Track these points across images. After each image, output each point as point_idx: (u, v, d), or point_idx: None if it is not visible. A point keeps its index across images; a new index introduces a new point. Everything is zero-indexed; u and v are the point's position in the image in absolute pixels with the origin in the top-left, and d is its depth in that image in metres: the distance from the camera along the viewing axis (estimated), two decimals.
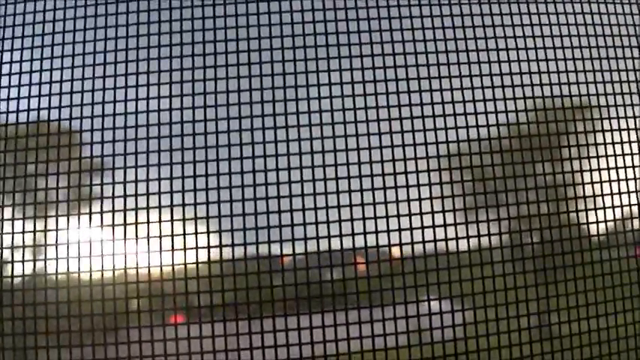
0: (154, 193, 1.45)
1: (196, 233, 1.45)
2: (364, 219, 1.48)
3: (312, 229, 1.45)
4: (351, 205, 1.44)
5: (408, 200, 1.49)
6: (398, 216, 1.49)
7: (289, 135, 1.46)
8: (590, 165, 1.53)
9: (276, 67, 1.49)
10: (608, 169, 1.52)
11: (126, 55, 1.52)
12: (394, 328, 1.44)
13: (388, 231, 1.48)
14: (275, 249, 1.48)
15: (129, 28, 1.54)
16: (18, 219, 1.49)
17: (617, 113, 1.56)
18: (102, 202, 1.50)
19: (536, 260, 1.50)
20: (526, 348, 1.46)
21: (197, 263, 1.48)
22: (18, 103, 1.53)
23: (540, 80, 1.54)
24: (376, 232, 1.48)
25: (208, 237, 1.47)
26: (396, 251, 1.50)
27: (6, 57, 1.56)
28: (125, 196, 1.46)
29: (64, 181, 1.50)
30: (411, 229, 1.48)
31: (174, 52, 1.51)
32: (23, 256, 1.49)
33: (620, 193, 1.54)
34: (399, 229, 1.48)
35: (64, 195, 1.51)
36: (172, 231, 1.46)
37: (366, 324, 1.45)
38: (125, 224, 1.48)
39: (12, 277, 1.48)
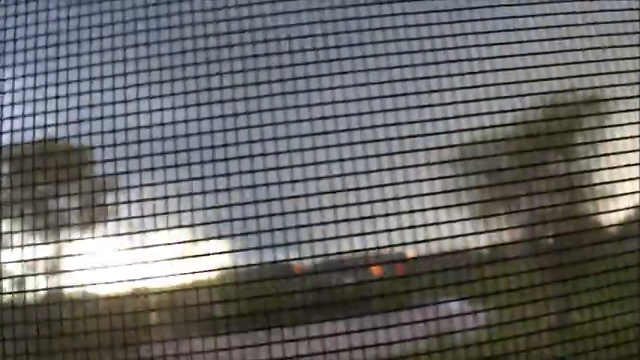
0: (164, 212, 1.44)
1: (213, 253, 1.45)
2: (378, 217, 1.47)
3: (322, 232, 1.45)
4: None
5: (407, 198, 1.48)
6: (410, 211, 1.48)
7: (301, 143, 1.46)
8: (603, 159, 1.53)
9: (286, 71, 1.49)
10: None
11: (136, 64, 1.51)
12: (413, 332, 1.45)
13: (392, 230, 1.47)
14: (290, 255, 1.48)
15: (137, 36, 1.53)
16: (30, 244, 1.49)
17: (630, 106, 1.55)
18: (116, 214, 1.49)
19: (553, 256, 1.50)
20: (545, 346, 1.46)
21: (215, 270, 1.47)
22: (23, 120, 1.52)
23: (550, 75, 1.53)
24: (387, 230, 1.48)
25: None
26: (411, 252, 1.50)
27: (9, 73, 1.54)
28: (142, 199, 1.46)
29: (76, 201, 1.49)
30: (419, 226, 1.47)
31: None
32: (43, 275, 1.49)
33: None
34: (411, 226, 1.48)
35: (77, 215, 1.50)
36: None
37: (385, 329, 1.45)
38: (140, 235, 1.48)
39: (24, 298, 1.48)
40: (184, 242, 1.45)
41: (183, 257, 1.44)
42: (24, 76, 1.51)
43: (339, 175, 1.47)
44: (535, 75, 1.52)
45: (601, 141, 1.50)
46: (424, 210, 1.44)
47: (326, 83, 1.50)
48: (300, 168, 1.45)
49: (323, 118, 1.48)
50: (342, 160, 1.47)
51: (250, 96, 1.50)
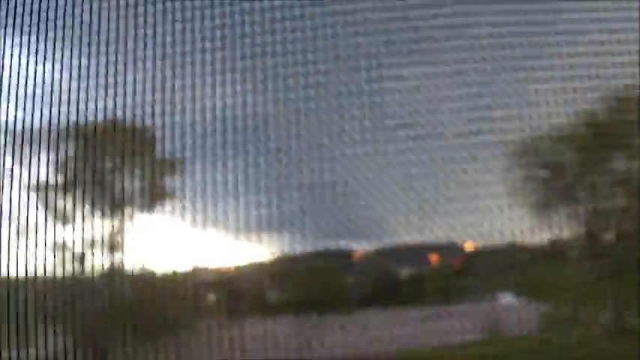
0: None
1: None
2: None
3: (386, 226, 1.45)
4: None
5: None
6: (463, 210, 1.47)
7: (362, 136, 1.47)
8: None
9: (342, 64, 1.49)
10: None
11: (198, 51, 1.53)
12: (468, 324, 1.45)
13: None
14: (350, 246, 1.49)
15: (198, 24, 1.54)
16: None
17: None
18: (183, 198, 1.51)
19: (611, 256, 1.48)
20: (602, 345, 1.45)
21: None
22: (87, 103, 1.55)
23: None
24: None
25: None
26: (469, 247, 1.49)
27: (76, 62, 1.57)
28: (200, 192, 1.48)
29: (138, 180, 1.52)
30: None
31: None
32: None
33: None
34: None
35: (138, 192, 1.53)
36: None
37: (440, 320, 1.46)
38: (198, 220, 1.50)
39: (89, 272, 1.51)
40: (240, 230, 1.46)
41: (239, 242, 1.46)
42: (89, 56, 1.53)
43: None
44: (598, 71, 1.51)
45: None
46: (482, 202, 1.44)
47: (388, 73, 1.50)
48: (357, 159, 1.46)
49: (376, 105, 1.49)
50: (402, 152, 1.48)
51: (312, 84, 1.51)
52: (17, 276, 1.51)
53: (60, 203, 1.52)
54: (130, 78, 1.53)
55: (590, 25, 1.52)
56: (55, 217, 1.52)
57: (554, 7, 1.51)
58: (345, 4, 1.50)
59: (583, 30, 1.52)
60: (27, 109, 1.55)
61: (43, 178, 1.53)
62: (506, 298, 1.49)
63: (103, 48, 1.55)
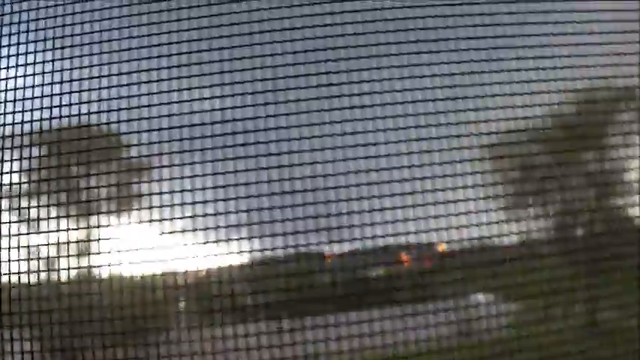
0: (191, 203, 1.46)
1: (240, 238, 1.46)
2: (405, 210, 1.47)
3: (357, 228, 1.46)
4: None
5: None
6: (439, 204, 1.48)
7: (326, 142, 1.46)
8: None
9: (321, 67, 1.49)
10: None
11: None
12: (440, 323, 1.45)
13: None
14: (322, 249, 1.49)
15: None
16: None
17: None
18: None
19: (582, 253, 1.49)
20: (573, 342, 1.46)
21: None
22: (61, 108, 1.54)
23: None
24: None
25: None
26: (441, 247, 1.50)
27: (49, 66, 1.55)
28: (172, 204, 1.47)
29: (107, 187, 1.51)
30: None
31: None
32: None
33: None
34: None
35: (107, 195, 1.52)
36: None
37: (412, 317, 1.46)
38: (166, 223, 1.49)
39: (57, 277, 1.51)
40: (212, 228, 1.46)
41: (209, 242, 1.45)
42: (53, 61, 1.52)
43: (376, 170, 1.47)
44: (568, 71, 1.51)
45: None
46: (452, 202, 1.44)
47: (359, 76, 1.50)
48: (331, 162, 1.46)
49: (353, 107, 1.48)
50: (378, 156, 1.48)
51: (280, 88, 1.51)
52: None
53: (27, 209, 1.51)
54: (97, 83, 1.52)
55: (562, 26, 1.53)
56: (23, 221, 1.51)
57: (526, 8, 1.51)
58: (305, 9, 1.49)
59: (555, 31, 1.53)
60: None
61: (8, 182, 1.52)
62: (478, 297, 1.49)
63: (70, 53, 1.53)
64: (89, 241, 1.49)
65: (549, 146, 1.50)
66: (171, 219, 1.46)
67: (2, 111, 1.52)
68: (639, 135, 1.50)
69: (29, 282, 1.49)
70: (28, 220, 1.52)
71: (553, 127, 1.51)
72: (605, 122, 1.53)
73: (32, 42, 1.54)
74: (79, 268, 1.50)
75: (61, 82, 1.50)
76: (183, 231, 1.46)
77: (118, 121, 1.48)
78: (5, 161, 1.53)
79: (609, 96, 1.52)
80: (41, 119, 1.50)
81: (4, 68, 1.54)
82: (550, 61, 1.51)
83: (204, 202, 1.45)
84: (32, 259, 1.50)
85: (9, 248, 1.51)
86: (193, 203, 1.46)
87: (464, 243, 1.45)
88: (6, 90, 1.53)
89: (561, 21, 1.53)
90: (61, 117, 1.50)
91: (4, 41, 1.54)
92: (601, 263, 1.47)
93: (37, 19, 1.55)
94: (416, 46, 1.48)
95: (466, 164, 1.46)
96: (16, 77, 1.53)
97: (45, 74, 1.53)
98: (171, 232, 1.46)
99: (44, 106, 1.51)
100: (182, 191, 1.46)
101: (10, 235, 1.52)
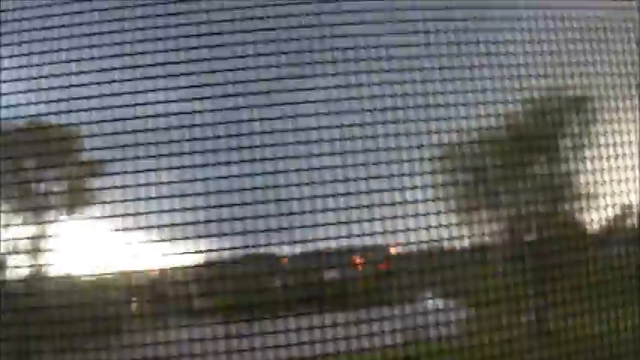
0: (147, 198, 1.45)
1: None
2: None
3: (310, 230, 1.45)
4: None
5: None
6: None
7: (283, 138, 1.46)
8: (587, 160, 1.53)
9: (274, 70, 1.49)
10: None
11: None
12: (390, 327, 1.45)
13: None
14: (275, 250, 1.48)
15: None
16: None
17: (616, 106, 1.56)
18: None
19: (533, 258, 1.50)
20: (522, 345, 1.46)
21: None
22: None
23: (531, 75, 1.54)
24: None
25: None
26: (394, 250, 1.50)
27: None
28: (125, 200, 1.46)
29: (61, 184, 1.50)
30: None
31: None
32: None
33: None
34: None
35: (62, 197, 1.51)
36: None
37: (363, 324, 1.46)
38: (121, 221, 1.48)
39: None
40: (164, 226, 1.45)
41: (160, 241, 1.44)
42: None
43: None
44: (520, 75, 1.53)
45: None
46: (405, 204, 1.44)
47: (317, 75, 1.51)
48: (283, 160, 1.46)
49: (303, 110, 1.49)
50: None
51: (239, 92, 1.51)
52: None
53: None
54: (53, 79, 1.51)
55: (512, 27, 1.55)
56: None
57: (476, 11, 1.53)
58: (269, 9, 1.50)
59: (505, 32, 1.55)
60: None
61: None
62: (431, 302, 1.49)
63: (25, 48, 1.52)
64: (38, 237, 1.48)
65: (500, 147, 1.51)
66: (122, 215, 1.45)
67: None
68: (589, 139, 1.52)
69: None
70: None
71: (504, 128, 1.52)
72: (556, 125, 1.54)
73: None
74: (29, 266, 1.49)
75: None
76: (132, 229, 1.45)
77: (68, 112, 1.47)
78: None
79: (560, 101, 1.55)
80: None
81: None
82: (500, 62, 1.52)
83: (159, 197, 1.44)
84: None
85: None
86: (147, 199, 1.45)
87: (415, 246, 1.45)
88: None
89: (517, 28, 1.55)
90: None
91: None
92: (552, 270, 1.48)
93: None
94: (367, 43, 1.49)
95: (415, 164, 1.46)
96: None
97: None
98: (119, 230, 1.45)
99: None
100: (135, 186, 1.45)
101: None
